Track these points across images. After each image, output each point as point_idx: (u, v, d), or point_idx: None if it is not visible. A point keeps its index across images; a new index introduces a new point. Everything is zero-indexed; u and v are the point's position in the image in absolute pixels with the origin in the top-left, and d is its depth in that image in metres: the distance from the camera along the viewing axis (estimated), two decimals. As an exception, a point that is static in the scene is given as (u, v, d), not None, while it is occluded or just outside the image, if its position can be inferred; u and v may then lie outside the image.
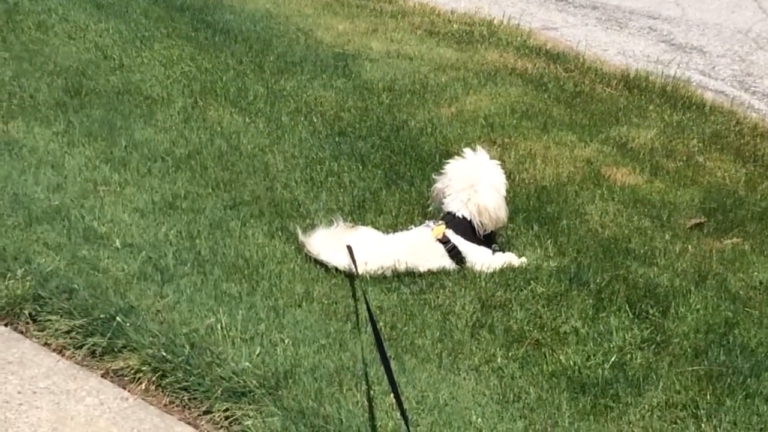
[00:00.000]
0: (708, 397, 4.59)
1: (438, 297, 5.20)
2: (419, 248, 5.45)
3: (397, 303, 5.11)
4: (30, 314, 4.97)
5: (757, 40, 10.94)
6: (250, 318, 4.83)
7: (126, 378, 4.63)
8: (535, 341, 4.91)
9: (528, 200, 6.29)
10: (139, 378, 4.60)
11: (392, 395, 4.09)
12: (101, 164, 6.26)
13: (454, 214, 5.57)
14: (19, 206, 5.66)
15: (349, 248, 5.25)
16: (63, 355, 4.78)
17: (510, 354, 4.80)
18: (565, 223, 6.06)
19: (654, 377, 4.70)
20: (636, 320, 5.14)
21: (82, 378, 4.62)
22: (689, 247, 5.96)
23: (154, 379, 4.58)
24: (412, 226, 5.69)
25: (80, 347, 4.78)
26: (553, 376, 4.67)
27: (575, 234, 5.96)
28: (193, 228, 5.63)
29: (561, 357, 4.80)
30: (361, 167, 6.53)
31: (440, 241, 5.49)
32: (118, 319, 4.73)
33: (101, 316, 4.79)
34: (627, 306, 5.23)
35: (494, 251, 5.60)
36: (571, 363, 4.76)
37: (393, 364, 4.45)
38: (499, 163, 5.78)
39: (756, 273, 5.74)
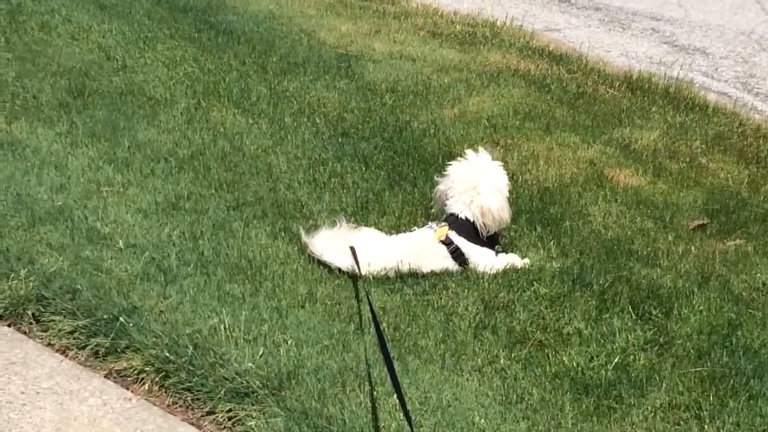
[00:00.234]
0: (711, 398, 4.59)
1: (441, 298, 5.20)
2: (422, 249, 5.45)
3: (400, 304, 5.12)
4: (33, 315, 4.97)
5: (760, 42, 10.94)
6: (253, 319, 4.83)
7: (129, 378, 4.63)
8: (538, 342, 4.92)
9: (531, 201, 6.29)
10: (143, 378, 4.60)
11: (395, 396, 4.09)
12: (104, 165, 6.27)
13: (457, 216, 5.57)
14: (23, 207, 5.66)
15: (352, 249, 5.25)
16: (66, 356, 4.78)
17: (513, 355, 4.80)
18: (568, 224, 6.07)
19: (657, 378, 4.70)
20: (639, 321, 5.14)
21: (86, 378, 4.62)
22: (692, 248, 5.96)
23: (157, 379, 4.58)
24: (415, 228, 5.68)
25: (83, 348, 4.78)
26: (556, 377, 4.67)
27: (578, 235, 5.96)
28: (196, 229, 5.63)
29: (564, 358, 4.80)
30: (364, 168, 6.53)
31: (443, 242, 5.49)
32: (121, 319, 4.74)
33: (104, 316, 4.79)
34: (630, 307, 5.23)
35: (497, 252, 5.60)
36: (574, 364, 4.76)
37: (396, 365, 4.45)
38: (502, 164, 5.78)
39: (759, 274, 5.74)
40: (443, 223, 5.58)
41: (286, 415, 4.25)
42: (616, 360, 4.80)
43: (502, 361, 4.74)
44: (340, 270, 5.33)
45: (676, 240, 6.05)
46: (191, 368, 4.51)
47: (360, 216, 5.92)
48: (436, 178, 5.85)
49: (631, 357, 4.85)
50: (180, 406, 4.50)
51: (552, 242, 5.83)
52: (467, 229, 5.54)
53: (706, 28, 11.36)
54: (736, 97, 9.15)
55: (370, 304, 4.67)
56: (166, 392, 4.56)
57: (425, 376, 4.57)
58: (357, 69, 8.50)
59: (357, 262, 5.18)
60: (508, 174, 5.79)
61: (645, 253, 5.86)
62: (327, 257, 5.37)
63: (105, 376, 4.66)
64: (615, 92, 8.59)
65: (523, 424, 4.34)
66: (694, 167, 7.14)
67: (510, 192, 5.78)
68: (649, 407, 4.51)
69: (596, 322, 5.10)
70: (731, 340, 5.04)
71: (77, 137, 6.60)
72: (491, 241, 5.66)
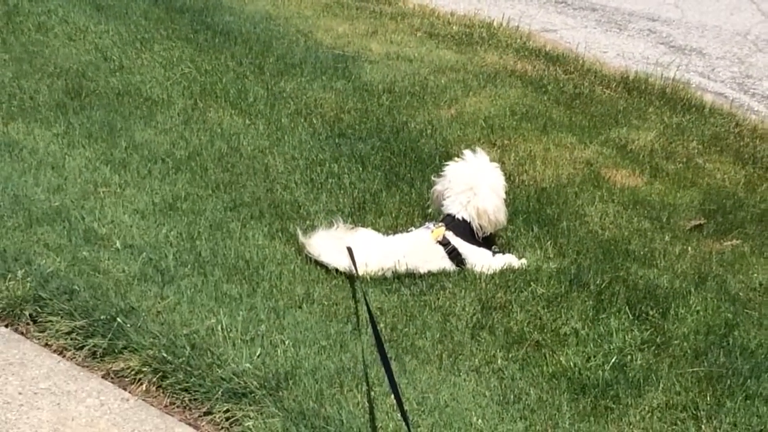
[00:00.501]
0: (708, 398, 4.59)
1: (438, 298, 5.21)
2: (419, 250, 5.46)
3: (398, 304, 5.12)
4: (31, 315, 4.98)
5: (756, 42, 10.95)
6: (251, 319, 4.84)
7: (127, 379, 4.64)
8: (536, 342, 4.92)
9: (528, 202, 6.29)
10: (140, 379, 4.61)
11: (393, 396, 4.09)
12: (101, 165, 6.27)
13: (454, 216, 5.58)
14: (20, 207, 5.66)
15: (350, 250, 5.26)
16: (64, 356, 4.79)
17: (510, 355, 4.81)
18: (565, 224, 6.07)
19: (654, 378, 4.70)
20: (636, 321, 5.15)
21: (83, 379, 4.62)
22: (689, 248, 5.97)
23: (154, 380, 4.59)
24: (412, 228, 5.69)
25: (81, 348, 4.79)
26: (554, 378, 4.68)
27: (575, 235, 5.97)
28: (194, 229, 5.63)
29: (561, 358, 4.81)
30: (361, 169, 6.53)
31: (440, 243, 5.50)
32: (118, 320, 4.74)
33: (102, 317, 4.80)
34: (627, 307, 5.23)
35: (494, 253, 5.61)
36: (572, 364, 4.76)
37: (393, 365, 4.46)
38: (499, 165, 5.79)
39: (755, 274, 5.75)
40: (440, 224, 5.58)
41: (284, 416, 4.25)
42: (613, 360, 4.81)
43: (499, 362, 4.74)
44: (337, 270, 5.34)
45: (672, 240, 6.05)
46: (189, 369, 4.52)
47: (357, 216, 5.92)
48: (433, 178, 5.85)
49: (628, 357, 4.86)
50: (177, 407, 4.51)
51: (549, 242, 5.84)
52: (464, 229, 5.55)
53: (703, 29, 11.37)
54: (732, 97, 9.16)
55: (367, 305, 4.68)
56: (163, 393, 4.56)
57: (423, 376, 4.58)
58: (354, 70, 8.50)
59: (354, 263, 5.18)
60: (505, 175, 5.79)
61: (642, 253, 5.86)
62: (324, 258, 5.37)
63: (102, 377, 4.67)
64: (612, 93, 8.60)
65: (521, 424, 4.35)
66: (690, 168, 7.15)
67: (507, 193, 5.78)
68: (646, 407, 4.52)
69: (593, 323, 5.10)
70: (728, 340, 5.05)
71: (74, 138, 6.60)
72: (488, 242, 5.67)
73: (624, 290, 5.39)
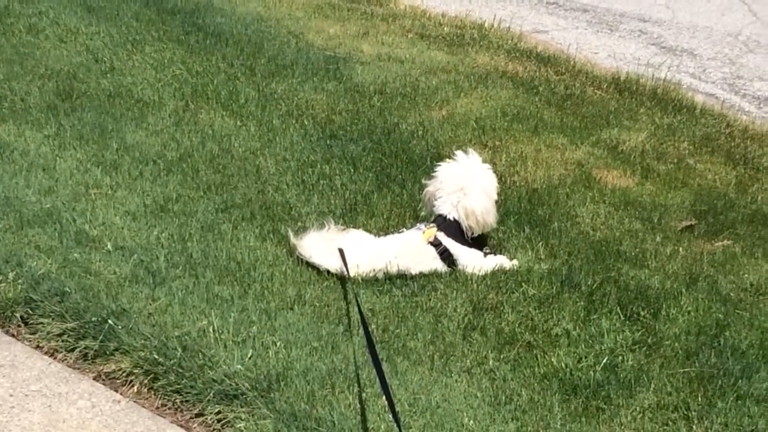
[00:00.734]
0: (699, 398, 4.60)
1: (430, 299, 5.21)
2: (411, 251, 5.46)
3: (389, 305, 5.12)
4: (22, 317, 4.97)
5: (747, 43, 10.97)
6: (242, 321, 4.84)
7: (118, 381, 4.64)
8: (527, 343, 4.92)
9: (519, 203, 6.30)
10: (131, 381, 4.60)
11: (384, 397, 4.09)
12: (93, 167, 6.26)
13: (445, 217, 5.58)
14: (11, 209, 5.65)
15: (341, 251, 5.26)
16: (55, 358, 4.78)
17: (502, 356, 4.81)
18: (557, 225, 6.08)
19: (645, 379, 4.71)
20: (627, 322, 5.16)
21: (74, 381, 4.62)
22: (680, 249, 5.98)
23: (146, 381, 4.58)
24: (404, 229, 5.69)
25: (72, 350, 4.78)
26: (545, 378, 4.68)
27: (566, 236, 5.97)
28: (185, 231, 5.63)
29: (553, 359, 4.81)
30: (352, 170, 6.54)
31: (431, 243, 5.50)
32: (110, 321, 4.74)
33: (93, 319, 4.79)
34: (618, 308, 5.24)
35: (486, 254, 5.61)
36: (563, 365, 4.77)
37: (385, 367, 4.47)
38: (490, 166, 5.78)
39: (746, 275, 5.76)
40: (432, 225, 5.58)
41: (275, 417, 4.25)
42: (604, 361, 4.81)
43: (490, 362, 4.75)
44: (328, 272, 5.34)
45: (664, 241, 6.06)
46: (180, 370, 4.52)
47: (348, 218, 5.92)
48: (424, 181, 5.85)
49: (620, 358, 4.86)
50: (169, 408, 4.51)
51: (540, 243, 5.84)
52: (456, 230, 5.55)
53: (694, 30, 11.39)
54: (723, 98, 9.17)
55: (358, 306, 4.68)
56: (155, 394, 4.56)
57: (414, 377, 4.58)
58: (345, 71, 8.50)
59: (346, 264, 5.19)
60: (496, 175, 5.79)
61: (633, 254, 5.87)
62: (316, 259, 5.37)
63: (94, 379, 4.66)
64: (603, 94, 8.60)
65: (512, 425, 4.35)
66: (681, 168, 7.16)
67: (498, 194, 5.78)
68: (638, 408, 4.53)
69: (585, 323, 5.11)
70: (719, 341, 5.06)
71: (65, 140, 6.59)
72: (480, 243, 5.67)
73: (615, 291, 5.39)
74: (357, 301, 4.78)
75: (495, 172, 5.81)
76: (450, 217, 5.57)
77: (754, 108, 9.02)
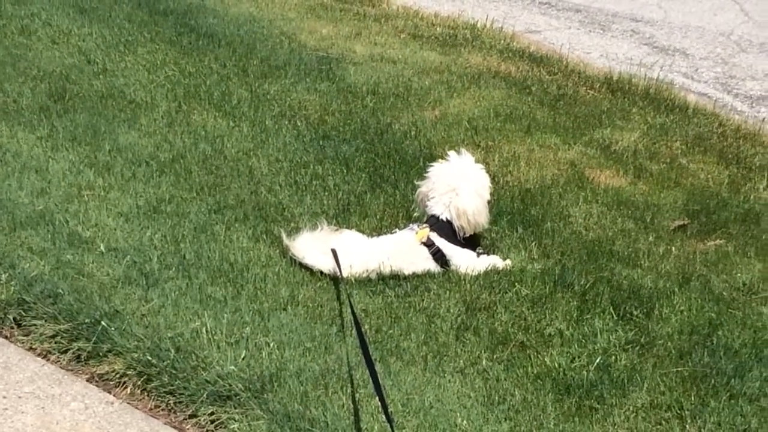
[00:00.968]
0: (692, 398, 4.61)
1: (423, 300, 5.21)
2: (404, 251, 5.46)
3: (382, 306, 5.12)
4: (15, 319, 4.97)
5: (740, 43, 10.98)
6: (235, 322, 4.84)
7: (111, 382, 4.64)
8: (520, 343, 4.93)
9: (512, 203, 6.30)
10: (125, 382, 4.60)
11: (377, 398, 4.09)
12: (85, 169, 6.26)
13: (438, 217, 5.58)
14: (3, 211, 5.65)
15: (334, 251, 5.26)
16: (48, 360, 4.78)
17: (495, 356, 4.81)
18: (550, 225, 6.08)
19: (638, 378, 4.72)
20: (620, 322, 5.16)
21: (67, 382, 4.62)
22: (673, 248, 5.98)
23: (139, 383, 4.58)
24: (397, 230, 5.69)
25: (65, 352, 4.78)
26: (538, 378, 4.69)
27: (559, 236, 5.98)
28: (178, 232, 5.63)
29: (546, 359, 4.81)
30: (345, 171, 6.54)
31: (424, 244, 5.50)
32: (103, 323, 4.74)
33: (86, 320, 4.79)
34: (611, 308, 5.24)
35: (479, 254, 5.61)
36: (556, 365, 4.77)
37: (378, 367, 4.47)
38: (483, 166, 5.79)
39: (739, 274, 5.77)
40: (424, 225, 5.58)
41: (269, 418, 4.25)
42: (597, 360, 4.82)
43: (484, 363, 4.75)
44: (321, 272, 5.34)
45: (656, 240, 6.07)
46: (173, 372, 4.52)
47: (341, 218, 5.93)
48: (416, 181, 5.85)
49: (613, 357, 4.87)
50: (162, 410, 4.51)
51: (533, 243, 5.85)
52: (448, 230, 5.55)
53: (686, 30, 11.40)
54: (716, 97, 9.18)
55: (351, 307, 4.68)
56: (148, 396, 4.56)
57: (407, 377, 4.58)
58: (338, 71, 8.50)
59: (338, 265, 5.19)
60: (489, 176, 5.79)
61: (626, 253, 5.88)
62: (309, 260, 5.37)
63: (87, 380, 4.66)
64: (595, 93, 8.61)
65: (506, 425, 4.36)
66: (674, 168, 7.16)
67: (491, 194, 5.79)
68: (631, 407, 4.53)
69: (577, 323, 5.11)
70: (712, 340, 5.07)
71: (58, 141, 6.59)
72: (473, 243, 5.68)
73: (608, 291, 5.40)
74: (350, 301, 4.78)
75: (488, 172, 5.81)
76: (443, 217, 5.58)
77: (747, 107, 9.04)
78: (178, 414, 4.47)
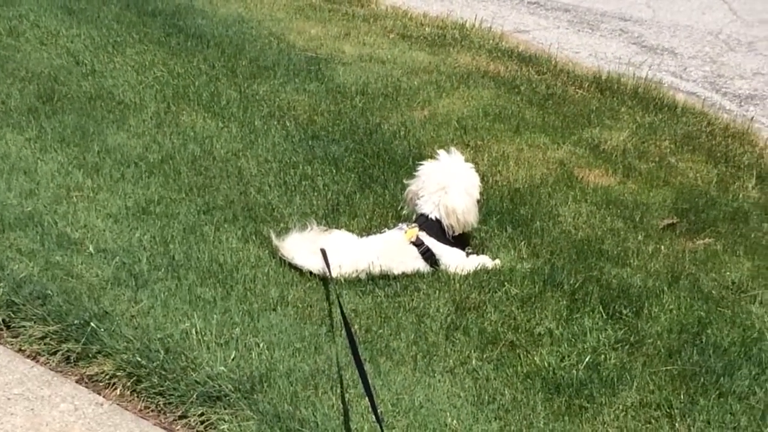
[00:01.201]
0: (682, 396, 4.61)
1: (412, 299, 5.21)
2: (393, 251, 5.46)
3: (372, 306, 5.12)
4: (4, 321, 4.97)
5: (728, 42, 10.99)
6: (225, 322, 4.84)
7: (101, 383, 4.63)
8: (510, 343, 4.93)
9: (501, 202, 6.30)
10: (114, 383, 4.60)
11: (367, 398, 4.10)
12: (74, 170, 6.25)
13: (427, 216, 5.58)
14: (-8, 213, 5.65)
15: (323, 252, 5.26)
16: (37, 361, 4.77)
17: (485, 355, 4.82)
18: (539, 224, 6.08)
19: (628, 377, 4.72)
20: (610, 321, 5.17)
21: (57, 384, 4.61)
22: (662, 247, 5.99)
23: (129, 384, 4.58)
24: (386, 229, 5.69)
25: (54, 353, 4.78)
26: (528, 377, 4.69)
27: (549, 235, 5.98)
28: (167, 233, 5.62)
29: (535, 358, 4.82)
30: (334, 171, 6.53)
31: (414, 243, 5.50)
32: (92, 324, 4.73)
33: (75, 321, 4.79)
34: (601, 307, 5.25)
35: (468, 254, 5.61)
36: (546, 364, 4.78)
37: (368, 367, 4.47)
38: (473, 165, 5.79)
39: (728, 273, 5.77)
40: (413, 225, 5.58)
41: (259, 419, 4.25)
42: (587, 359, 4.82)
43: (473, 362, 4.75)
44: (311, 273, 5.34)
45: (645, 239, 6.08)
46: (163, 372, 4.51)
47: (331, 218, 5.92)
48: (405, 181, 5.85)
49: (602, 356, 4.87)
50: (152, 411, 4.50)
51: (523, 243, 5.85)
52: (438, 229, 5.55)
53: (675, 29, 11.41)
54: (704, 96, 9.19)
55: (341, 307, 4.68)
56: (138, 397, 4.56)
57: (397, 377, 4.58)
58: (327, 72, 8.50)
59: (328, 265, 5.19)
60: (478, 175, 5.79)
61: (615, 252, 5.88)
62: (298, 260, 5.37)
63: (76, 382, 4.66)
64: (584, 93, 8.62)
65: (495, 425, 4.36)
66: (663, 167, 7.17)
67: (481, 193, 5.79)
68: (621, 406, 4.53)
69: (567, 322, 5.12)
70: (701, 339, 5.07)
71: (46, 142, 6.58)
72: (463, 242, 5.68)
73: (598, 290, 5.40)
74: (339, 301, 4.78)
75: (477, 171, 5.81)
76: (432, 216, 5.58)
77: (735, 106, 9.05)
78: (167, 415, 4.47)
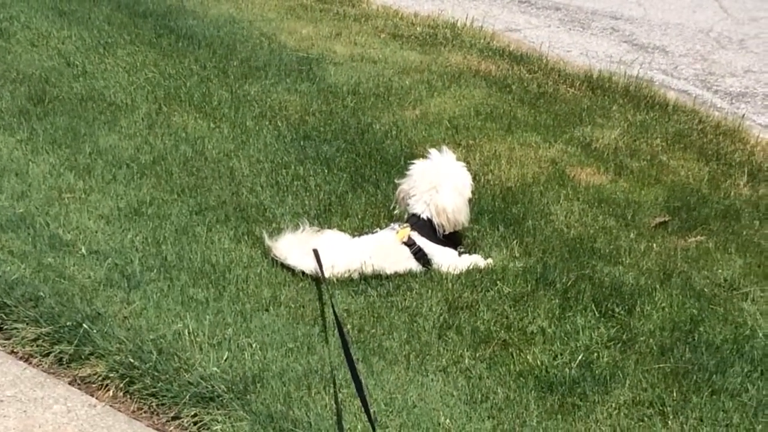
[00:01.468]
0: (674, 394, 4.62)
1: (405, 299, 5.21)
2: (385, 251, 5.46)
3: (365, 306, 5.12)
4: (-4, 323, 4.96)
5: (719, 40, 11.01)
6: (218, 323, 4.83)
7: (94, 385, 4.63)
8: (503, 341, 4.93)
9: (493, 201, 6.31)
10: (107, 385, 4.59)
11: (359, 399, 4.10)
12: (66, 171, 6.25)
13: (419, 216, 5.58)
14: (-16, 215, 5.64)
15: (316, 252, 5.25)
16: (30, 363, 4.77)
17: (477, 354, 4.82)
18: (531, 223, 6.09)
19: (621, 375, 4.73)
20: (602, 319, 5.17)
21: (50, 386, 4.60)
22: (654, 245, 6.00)
23: (121, 385, 4.57)
24: (378, 229, 5.69)
25: (47, 355, 4.77)
26: (521, 376, 4.69)
27: (541, 234, 5.98)
28: (159, 234, 5.62)
29: (528, 357, 4.82)
30: (326, 171, 6.54)
31: (405, 243, 5.50)
32: (84, 326, 4.72)
33: (68, 323, 4.78)
34: (593, 305, 5.25)
35: (460, 253, 5.61)
36: (539, 362, 4.78)
37: (361, 367, 4.48)
38: (465, 164, 5.79)
39: (720, 270, 5.78)
40: (405, 224, 5.58)
41: (252, 419, 4.25)
42: (579, 358, 4.83)
43: (466, 361, 4.76)
44: (303, 273, 5.34)
45: (638, 237, 6.08)
46: (156, 374, 4.51)
47: (323, 218, 5.92)
48: (396, 180, 5.84)
49: (595, 354, 4.88)
50: (145, 412, 4.50)
51: (515, 242, 5.85)
52: (429, 229, 5.55)
53: (665, 27, 11.43)
54: (695, 94, 9.21)
55: (333, 307, 4.68)
56: (130, 398, 4.55)
57: (390, 377, 4.58)
58: (318, 72, 8.50)
59: (320, 265, 5.18)
60: (470, 174, 5.79)
61: (607, 251, 5.89)
62: (290, 260, 5.37)
63: (69, 383, 4.65)
64: (576, 91, 8.63)
65: (489, 423, 4.36)
66: (654, 165, 7.18)
67: (473, 192, 5.79)
68: (613, 404, 4.54)
69: (560, 321, 5.12)
70: (693, 336, 5.08)
71: (38, 144, 6.57)
72: (455, 242, 5.68)
73: (590, 288, 5.41)
74: (332, 301, 4.79)
75: (469, 170, 5.81)
76: (423, 216, 5.57)
77: (726, 104, 9.06)
78: (160, 416, 4.46)
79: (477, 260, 5.59)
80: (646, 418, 4.49)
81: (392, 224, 5.66)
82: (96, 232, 5.60)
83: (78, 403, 4.51)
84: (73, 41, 8.60)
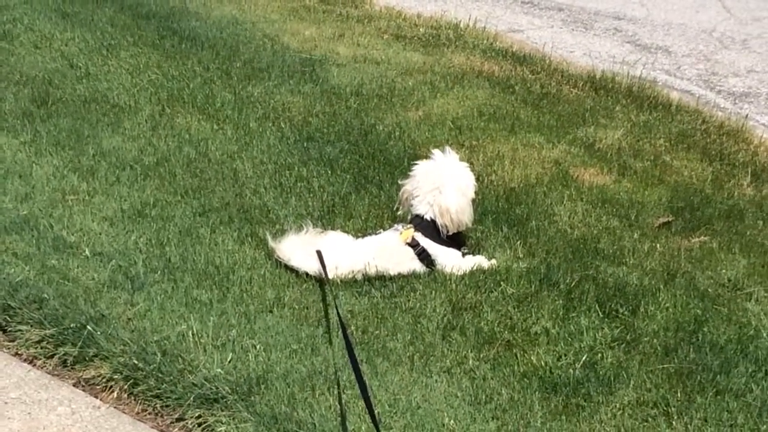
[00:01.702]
0: (678, 394, 4.62)
1: (409, 300, 5.21)
2: (389, 252, 5.45)
3: (368, 307, 5.12)
4: (0, 325, 4.95)
5: (722, 40, 11.01)
6: (222, 324, 4.83)
7: (98, 387, 4.63)
8: (506, 342, 4.93)
9: (497, 202, 6.30)
10: (111, 386, 4.60)
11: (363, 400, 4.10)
12: (69, 173, 6.25)
13: (423, 217, 5.58)
14: (-12, 217, 5.65)
15: (319, 253, 5.25)
16: (34, 365, 4.77)
17: (481, 355, 4.82)
18: (534, 224, 6.08)
19: (625, 376, 4.72)
20: (606, 319, 5.17)
21: (54, 387, 4.61)
22: (658, 246, 5.99)
23: (126, 387, 4.58)
24: (381, 230, 5.68)
25: (51, 357, 4.77)
26: (525, 377, 4.69)
27: (544, 235, 5.98)
28: (163, 235, 5.62)
29: (532, 357, 4.82)
30: (329, 172, 6.53)
31: (409, 244, 5.50)
32: (88, 327, 4.73)
33: (72, 325, 4.78)
34: (597, 305, 5.25)
35: (464, 254, 5.61)
36: (543, 363, 4.78)
37: (365, 368, 4.47)
38: (468, 165, 5.79)
39: (724, 270, 5.78)
40: (409, 225, 5.58)
41: (256, 420, 4.25)
42: (583, 358, 4.82)
43: (470, 362, 4.75)
44: (307, 274, 5.34)
45: (641, 238, 6.08)
46: (160, 375, 4.51)
47: (326, 220, 5.92)
48: (400, 181, 5.84)
49: (599, 355, 4.88)
50: (149, 414, 4.50)
51: (518, 242, 5.85)
52: (433, 230, 5.55)
53: (668, 27, 11.43)
54: (698, 94, 9.21)
55: (337, 308, 4.68)
56: (135, 400, 4.55)
57: (394, 378, 4.58)
58: (321, 73, 8.50)
59: (324, 266, 5.18)
60: (473, 175, 5.79)
61: (611, 251, 5.88)
62: (294, 262, 5.37)
63: (73, 385, 4.65)
64: (579, 92, 8.62)
65: (493, 424, 4.36)
66: (658, 165, 7.18)
67: (476, 193, 5.78)
68: (617, 405, 4.54)
69: (563, 321, 5.12)
70: (697, 337, 5.07)
71: (41, 146, 6.58)
72: (459, 243, 5.67)
73: (594, 288, 5.40)
74: (335, 303, 4.78)
75: (472, 171, 5.80)
76: (427, 216, 5.57)
77: (730, 104, 9.06)
78: (165, 417, 4.47)
79: (480, 261, 5.59)
80: (650, 419, 4.48)
81: (396, 225, 5.65)
82: (100, 233, 5.60)
83: (82, 404, 4.51)
84: (76, 43, 8.61)
